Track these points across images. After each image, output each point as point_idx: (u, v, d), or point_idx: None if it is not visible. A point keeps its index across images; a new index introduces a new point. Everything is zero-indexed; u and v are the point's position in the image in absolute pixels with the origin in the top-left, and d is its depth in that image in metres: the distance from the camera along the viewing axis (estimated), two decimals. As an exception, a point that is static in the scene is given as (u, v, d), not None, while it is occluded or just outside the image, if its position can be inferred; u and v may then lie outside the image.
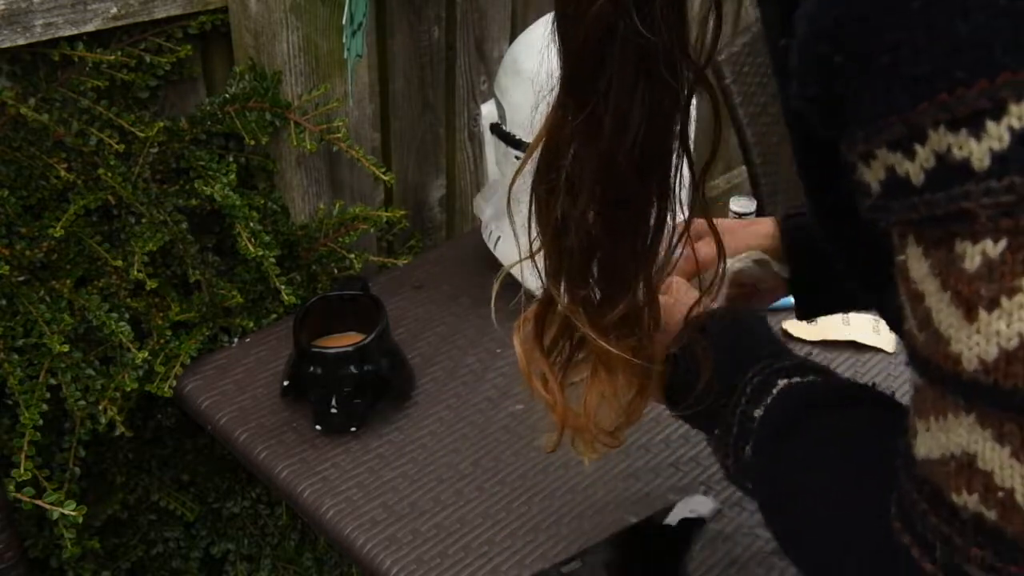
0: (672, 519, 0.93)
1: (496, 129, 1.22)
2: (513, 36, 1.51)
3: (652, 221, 0.60)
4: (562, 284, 0.64)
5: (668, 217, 0.61)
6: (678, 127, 0.57)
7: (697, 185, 0.62)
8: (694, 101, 1.35)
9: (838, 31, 0.41)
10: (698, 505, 0.95)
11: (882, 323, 1.18)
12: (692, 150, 0.60)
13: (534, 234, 0.65)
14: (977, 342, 0.39)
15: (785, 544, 0.60)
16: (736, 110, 1.61)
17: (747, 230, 0.87)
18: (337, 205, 1.29)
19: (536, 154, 0.63)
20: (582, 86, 0.55)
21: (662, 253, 0.62)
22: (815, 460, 0.58)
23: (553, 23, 0.57)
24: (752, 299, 0.86)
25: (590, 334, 0.64)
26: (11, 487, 0.99)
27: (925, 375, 0.43)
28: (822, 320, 1.24)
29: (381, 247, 1.46)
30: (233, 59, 1.23)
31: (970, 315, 0.39)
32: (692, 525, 0.92)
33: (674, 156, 0.58)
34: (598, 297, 0.63)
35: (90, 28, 1.07)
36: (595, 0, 0.51)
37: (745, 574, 0.89)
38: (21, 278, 1.05)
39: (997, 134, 0.37)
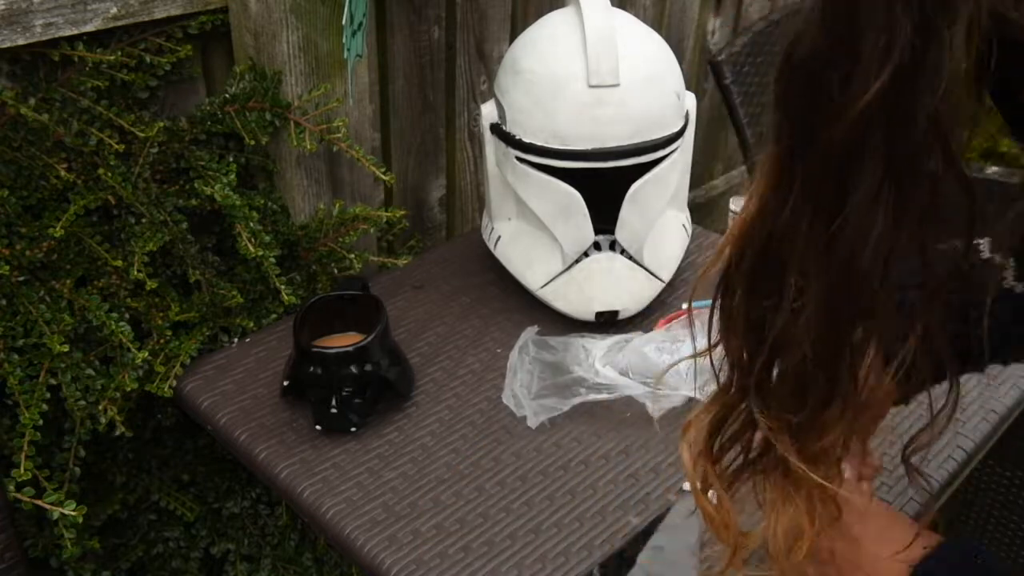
0: (672, 519, 0.93)
1: (496, 129, 1.22)
2: (513, 36, 1.51)
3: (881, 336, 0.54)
4: (759, 403, 0.57)
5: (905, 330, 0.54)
6: (924, 228, 0.50)
7: None
8: (694, 102, 1.35)
9: None
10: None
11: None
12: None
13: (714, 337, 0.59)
14: None
15: None
16: (736, 110, 1.61)
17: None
18: (337, 205, 1.29)
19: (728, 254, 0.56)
20: (828, 192, 0.49)
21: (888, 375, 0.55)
22: None
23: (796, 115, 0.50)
24: None
25: (796, 462, 0.57)
26: (11, 487, 0.99)
27: None
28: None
29: (381, 247, 1.46)
30: (233, 59, 1.23)
31: None
32: None
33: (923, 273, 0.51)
34: (801, 421, 0.57)
35: (90, 28, 1.07)
36: (858, 99, 0.46)
37: None
38: (21, 278, 1.05)
39: None
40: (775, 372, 0.56)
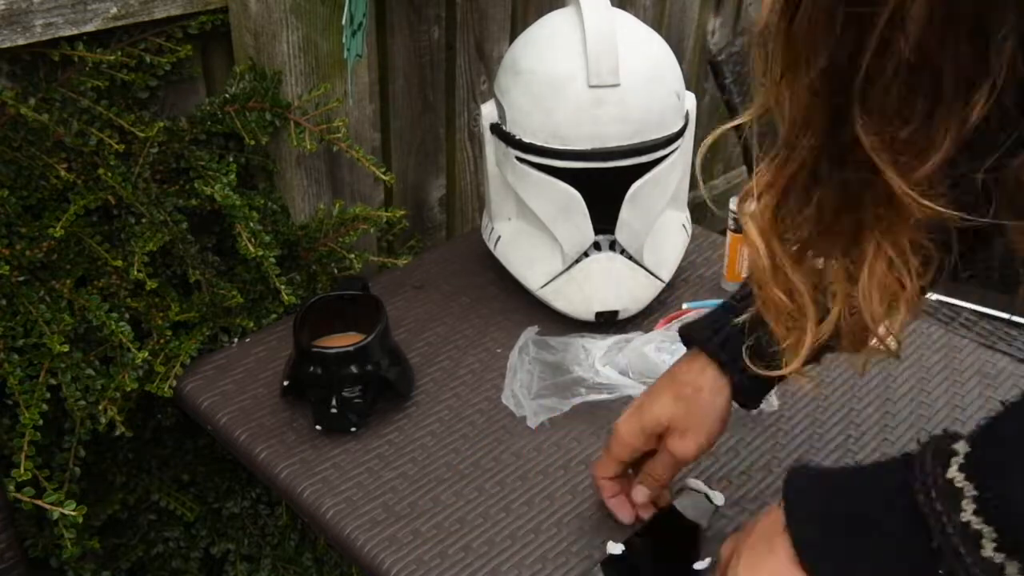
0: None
1: (496, 129, 1.22)
2: (513, 36, 1.51)
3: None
4: (862, 111, 0.50)
5: None
6: None
7: None
8: (694, 102, 1.34)
9: None
10: (699, 502, 0.95)
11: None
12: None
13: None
14: None
15: None
16: (736, 110, 1.61)
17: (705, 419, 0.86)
18: (337, 205, 1.29)
19: None
20: None
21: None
22: None
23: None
24: None
25: (903, 188, 0.50)
26: (11, 487, 0.99)
27: None
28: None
29: (381, 247, 1.46)
30: (233, 59, 1.23)
31: None
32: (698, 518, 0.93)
33: None
34: (907, 136, 0.50)
35: (90, 28, 1.07)
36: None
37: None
38: (21, 278, 1.05)
39: None
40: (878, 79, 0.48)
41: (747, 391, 0.86)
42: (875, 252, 0.55)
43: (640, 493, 0.90)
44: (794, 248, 0.58)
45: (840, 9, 0.48)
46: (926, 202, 0.50)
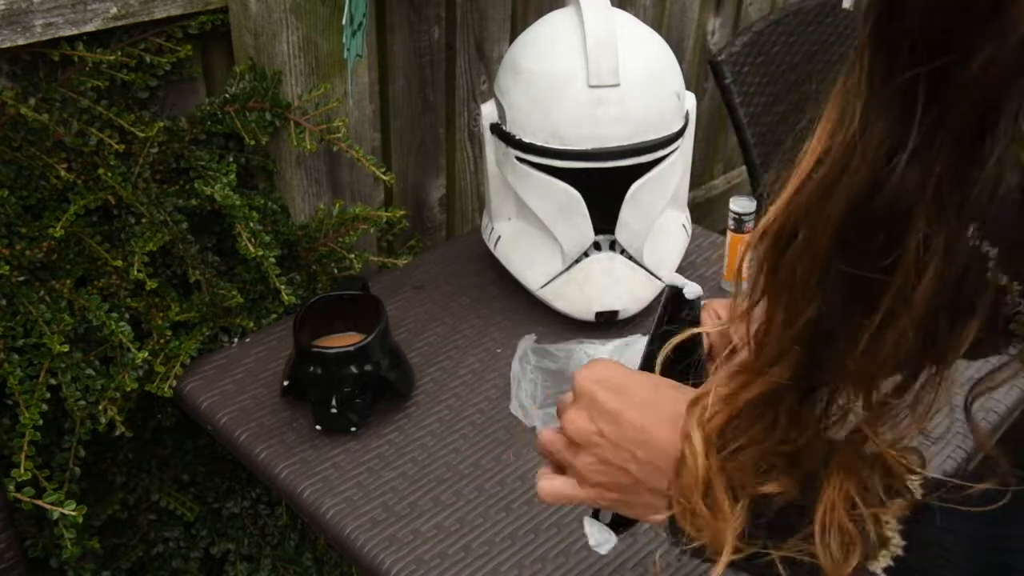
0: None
1: (496, 129, 1.22)
2: (513, 36, 1.51)
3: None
4: (862, 379, 0.47)
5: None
6: None
7: None
8: (694, 102, 1.34)
9: None
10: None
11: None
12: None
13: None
14: None
15: None
16: (736, 110, 1.61)
17: None
18: (337, 205, 1.29)
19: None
20: (972, 129, 0.40)
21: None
22: None
23: None
24: None
25: (881, 445, 0.48)
26: (11, 487, 0.99)
27: None
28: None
29: (381, 247, 1.46)
30: (233, 59, 1.23)
31: None
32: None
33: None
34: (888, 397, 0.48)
35: (90, 28, 1.07)
36: None
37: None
38: (21, 278, 1.05)
39: None
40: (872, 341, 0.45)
41: None
42: (835, 487, 0.50)
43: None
44: (732, 462, 0.53)
45: (835, 266, 0.44)
46: (916, 473, 0.48)
